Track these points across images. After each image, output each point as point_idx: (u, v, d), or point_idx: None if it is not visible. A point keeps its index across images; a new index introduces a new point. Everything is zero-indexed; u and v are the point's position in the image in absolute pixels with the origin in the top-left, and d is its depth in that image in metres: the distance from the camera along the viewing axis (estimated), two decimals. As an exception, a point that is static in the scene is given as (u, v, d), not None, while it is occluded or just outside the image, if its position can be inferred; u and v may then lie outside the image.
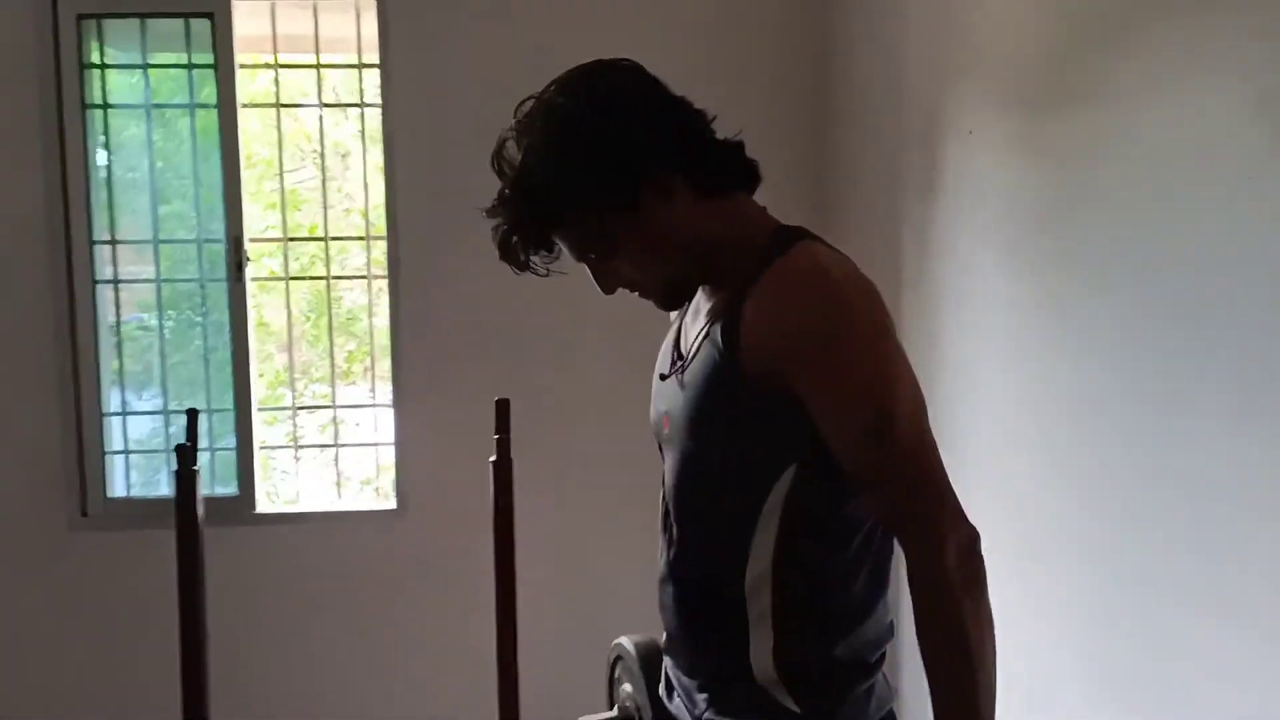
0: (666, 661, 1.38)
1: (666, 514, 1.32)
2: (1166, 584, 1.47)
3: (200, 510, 2.19)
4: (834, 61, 2.94)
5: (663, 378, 1.31)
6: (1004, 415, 1.98)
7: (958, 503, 1.14)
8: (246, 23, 3.08)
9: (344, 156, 4.99)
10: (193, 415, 2.21)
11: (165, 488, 3.19)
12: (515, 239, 1.22)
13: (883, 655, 1.28)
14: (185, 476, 2.05)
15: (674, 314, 1.38)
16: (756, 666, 1.23)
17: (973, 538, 1.14)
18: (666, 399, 1.29)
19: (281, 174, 3.25)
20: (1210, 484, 1.37)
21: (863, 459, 1.14)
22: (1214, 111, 1.37)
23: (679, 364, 1.28)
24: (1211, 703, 1.38)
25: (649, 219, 1.21)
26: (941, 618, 1.12)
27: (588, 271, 1.27)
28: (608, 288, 1.28)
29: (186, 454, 2.07)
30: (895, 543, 1.24)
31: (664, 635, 1.37)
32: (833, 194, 2.96)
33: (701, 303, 1.29)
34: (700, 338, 1.25)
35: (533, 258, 1.24)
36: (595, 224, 1.21)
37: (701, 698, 1.28)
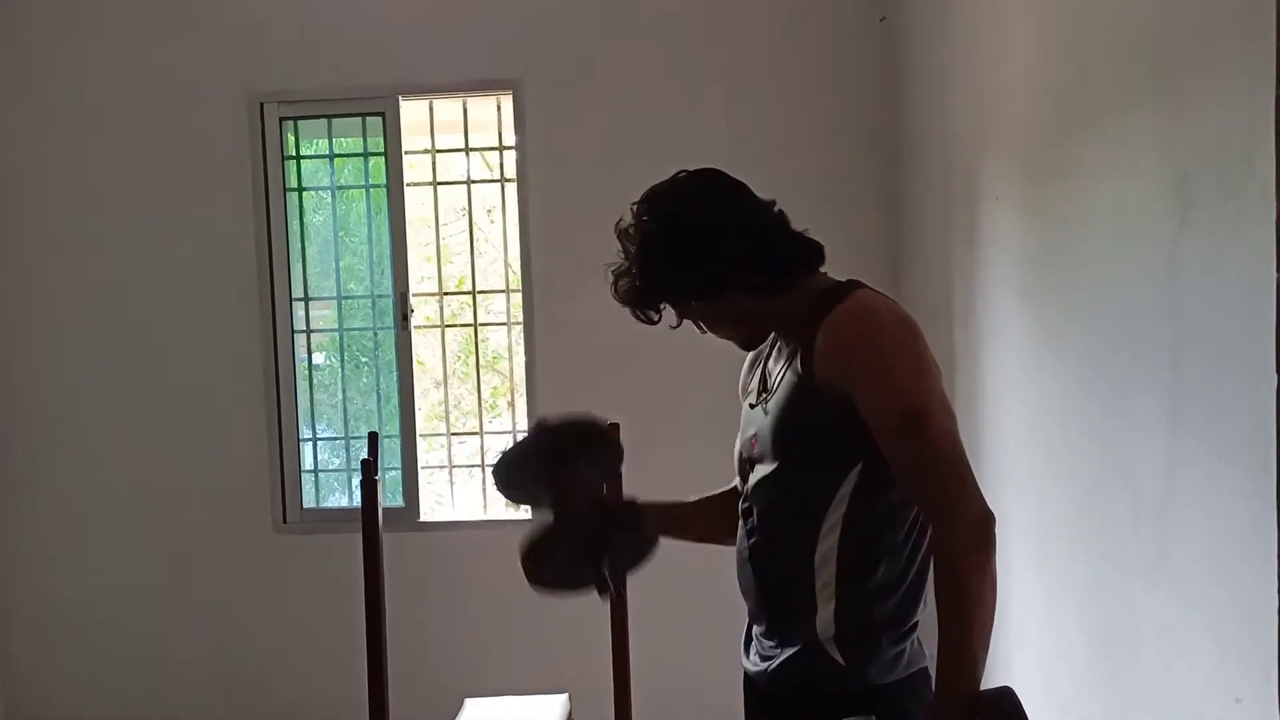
0: (753, 626, 1.68)
1: (749, 512, 1.63)
2: (1130, 559, 1.83)
3: (379, 513, 2.76)
4: (902, 137, 3.40)
5: (751, 407, 1.65)
6: (1021, 429, 2.36)
7: (976, 489, 1.44)
8: (410, 112, 3.68)
9: (489, 211, 5.63)
10: (373, 436, 2.78)
11: (344, 500, 3.83)
12: (629, 304, 1.60)
13: (916, 622, 1.57)
14: (369, 483, 2.62)
15: (749, 353, 1.72)
16: (820, 625, 1.53)
17: (984, 518, 1.41)
18: (755, 424, 1.62)
19: (438, 240, 3.87)
20: (1146, 476, 1.74)
21: (900, 449, 1.44)
22: (1145, 189, 1.74)
23: (764, 395, 1.61)
24: (1155, 649, 1.73)
25: (727, 309, 1.59)
26: (951, 578, 1.42)
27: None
28: (703, 332, 1.66)
29: (369, 466, 2.64)
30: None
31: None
32: (905, 247, 3.39)
33: (782, 345, 1.62)
34: (783, 370, 1.58)
35: (646, 317, 1.61)
36: (689, 309, 1.60)
37: (776, 652, 1.59)
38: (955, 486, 1.44)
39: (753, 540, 1.62)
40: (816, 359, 1.50)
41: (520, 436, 1.85)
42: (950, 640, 1.43)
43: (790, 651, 1.58)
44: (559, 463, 1.73)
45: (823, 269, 1.63)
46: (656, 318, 1.62)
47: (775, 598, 1.60)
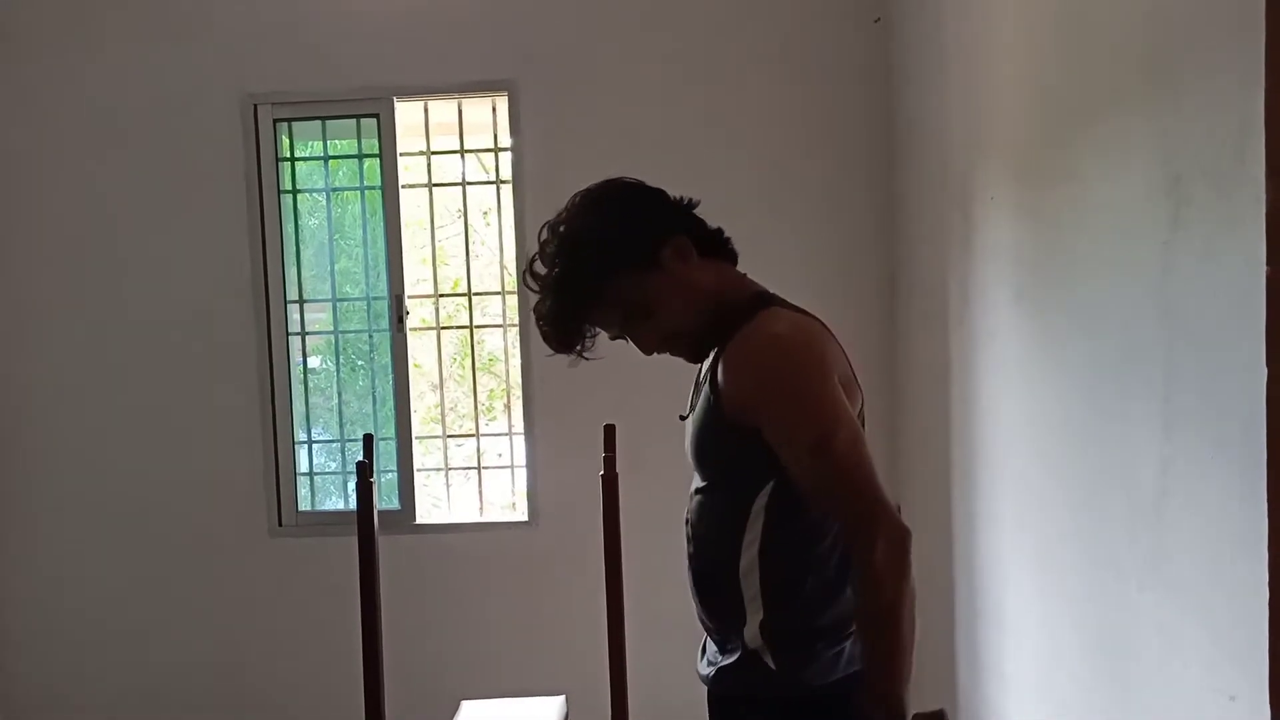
0: (705, 632, 1.71)
1: (686, 522, 1.67)
2: (1125, 559, 1.83)
3: (375, 515, 2.76)
4: (897, 138, 3.40)
5: (682, 418, 1.68)
6: (1016, 430, 2.36)
7: (889, 507, 1.45)
8: (405, 114, 3.68)
9: (485, 214, 5.63)
10: (368, 439, 2.79)
11: (340, 503, 3.82)
12: (561, 325, 1.55)
13: (854, 626, 1.56)
14: (364, 486, 2.62)
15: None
16: (748, 635, 1.57)
17: (900, 534, 1.44)
18: (686, 436, 1.66)
19: (433, 241, 3.87)
20: (1141, 475, 1.74)
21: (809, 473, 1.47)
22: (1138, 190, 1.74)
23: (689, 409, 1.65)
24: (1151, 649, 1.74)
25: (671, 275, 1.56)
26: (870, 595, 1.43)
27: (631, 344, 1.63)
28: (647, 349, 1.63)
29: (365, 469, 2.64)
30: None
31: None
32: (901, 248, 3.39)
33: (709, 359, 1.63)
34: (699, 387, 1.62)
35: (578, 340, 1.57)
36: (630, 288, 1.55)
37: (718, 658, 1.64)
38: (867, 505, 1.45)
39: (689, 551, 1.67)
40: (723, 382, 1.52)
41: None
42: (874, 659, 1.44)
43: (730, 659, 1.61)
44: None
45: (743, 272, 1.65)
46: (590, 337, 1.59)
47: (710, 607, 1.64)
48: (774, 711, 1.58)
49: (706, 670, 1.68)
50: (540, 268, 1.57)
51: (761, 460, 1.52)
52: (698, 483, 1.64)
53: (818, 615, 1.56)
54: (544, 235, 1.59)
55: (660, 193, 1.62)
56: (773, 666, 1.56)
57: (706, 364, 1.63)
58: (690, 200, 1.64)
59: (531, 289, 1.59)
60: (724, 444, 1.55)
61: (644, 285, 1.56)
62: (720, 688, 1.64)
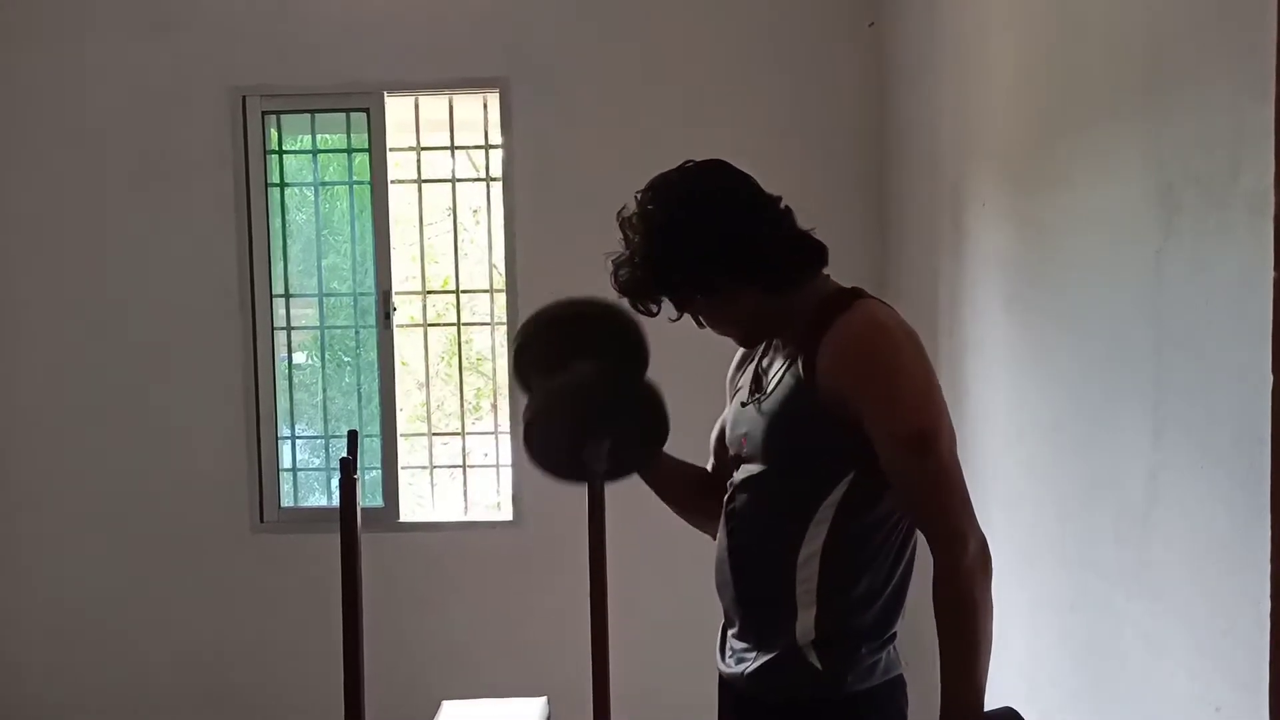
0: (727, 628, 1.67)
1: (730, 511, 1.62)
2: (1112, 568, 1.83)
3: (358, 513, 2.73)
4: (889, 143, 3.40)
5: (743, 405, 1.63)
6: (1005, 437, 2.36)
7: (974, 512, 1.47)
8: (395, 110, 3.65)
9: (474, 212, 5.61)
10: (352, 434, 2.74)
11: (323, 499, 3.79)
12: (630, 295, 1.57)
13: (895, 631, 1.58)
14: (348, 482, 2.59)
15: (740, 351, 1.71)
16: (799, 630, 1.53)
17: (984, 541, 1.47)
18: (746, 423, 1.60)
19: (421, 238, 3.85)
20: (1129, 484, 1.73)
21: (906, 469, 1.45)
22: (1130, 198, 1.74)
23: (757, 395, 1.59)
24: (1138, 658, 1.73)
25: (729, 305, 1.57)
26: (959, 601, 1.43)
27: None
28: (701, 326, 1.62)
29: (348, 465, 2.60)
30: (914, 540, 1.58)
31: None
32: (891, 255, 3.39)
33: (778, 345, 1.60)
34: (781, 373, 1.56)
35: (645, 306, 1.58)
36: (695, 295, 1.56)
37: (751, 655, 1.59)
38: (962, 509, 1.45)
39: (733, 539, 1.61)
40: (820, 368, 1.49)
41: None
42: (957, 663, 1.44)
43: (768, 656, 1.57)
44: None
45: (826, 271, 1.62)
46: (655, 309, 1.59)
47: (752, 599, 1.60)
48: (813, 714, 1.55)
49: (735, 668, 1.62)
50: (636, 223, 1.55)
51: (847, 450, 1.49)
52: (756, 469, 1.59)
53: (865, 616, 1.54)
54: (641, 199, 1.56)
55: (743, 215, 1.54)
56: (819, 666, 1.53)
57: (782, 349, 1.59)
58: (785, 211, 1.58)
59: (625, 236, 1.57)
60: (810, 431, 1.52)
61: (704, 303, 1.59)
62: (757, 686, 1.59)
